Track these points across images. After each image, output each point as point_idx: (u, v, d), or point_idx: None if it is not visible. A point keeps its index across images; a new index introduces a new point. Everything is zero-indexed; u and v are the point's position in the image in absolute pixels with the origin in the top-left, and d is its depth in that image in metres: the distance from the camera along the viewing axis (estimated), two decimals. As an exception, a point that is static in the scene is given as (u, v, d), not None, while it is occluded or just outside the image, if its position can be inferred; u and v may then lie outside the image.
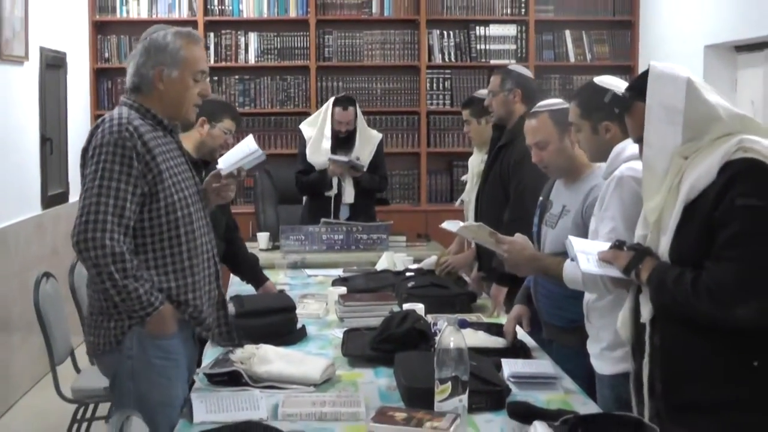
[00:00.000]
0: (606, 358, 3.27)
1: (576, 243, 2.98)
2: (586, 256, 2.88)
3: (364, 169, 6.52)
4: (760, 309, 2.50)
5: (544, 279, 3.63)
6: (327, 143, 6.52)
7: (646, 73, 2.71)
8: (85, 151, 3.17)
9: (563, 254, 3.25)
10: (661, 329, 2.68)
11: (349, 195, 6.53)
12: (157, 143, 3.16)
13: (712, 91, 2.70)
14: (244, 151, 3.65)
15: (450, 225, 3.87)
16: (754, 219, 2.50)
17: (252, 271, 4.89)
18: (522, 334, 3.90)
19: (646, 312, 2.71)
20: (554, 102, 3.75)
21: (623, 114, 2.84)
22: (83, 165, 3.16)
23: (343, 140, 6.55)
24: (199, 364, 3.51)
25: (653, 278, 2.65)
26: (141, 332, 3.14)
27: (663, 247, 2.66)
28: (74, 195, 7.37)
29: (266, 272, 5.03)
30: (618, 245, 2.82)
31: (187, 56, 3.23)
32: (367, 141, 6.66)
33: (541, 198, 3.81)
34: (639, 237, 2.80)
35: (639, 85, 2.72)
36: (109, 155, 3.05)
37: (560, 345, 3.67)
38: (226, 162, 3.64)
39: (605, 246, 2.89)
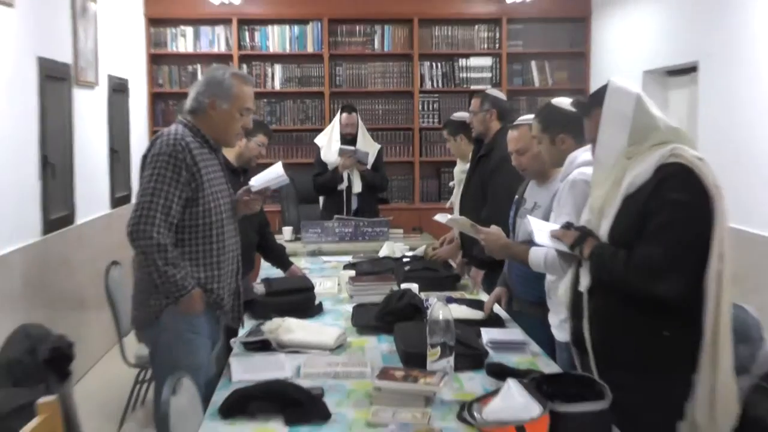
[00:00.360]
0: (563, 328, 3.26)
1: (534, 222, 3.03)
2: (541, 232, 2.90)
3: (368, 166, 6.52)
4: (676, 284, 2.52)
5: (515, 262, 3.63)
6: (336, 144, 6.58)
7: (605, 86, 2.71)
8: (144, 158, 3.19)
9: (531, 242, 3.26)
10: (595, 298, 2.69)
11: (357, 186, 6.53)
12: (202, 158, 3.18)
13: (655, 107, 2.72)
14: (274, 173, 3.64)
15: (440, 217, 3.92)
16: (679, 211, 2.52)
17: (280, 258, 4.89)
18: (497, 309, 3.89)
19: (585, 282, 2.72)
20: (531, 117, 3.74)
21: (583, 117, 2.83)
22: (142, 169, 3.18)
23: (349, 141, 6.59)
24: (235, 334, 3.51)
25: (593, 254, 2.66)
26: (175, 311, 3.16)
27: (603, 229, 2.67)
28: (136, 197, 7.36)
29: (290, 259, 5.03)
30: (567, 226, 2.84)
31: (237, 93, 3.26)
32: (368, 144, 6.68)
33: (517, 196, 3.80)
34: (584, 221, 2.81)
35: (599, 95, 2.73)
36: (163, 163, 3.08)
37: (528, 316, 3.67)
38: (257, 180, 3.63)
39: (557, 227, 2.90)
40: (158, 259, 3.07)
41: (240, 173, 4.41)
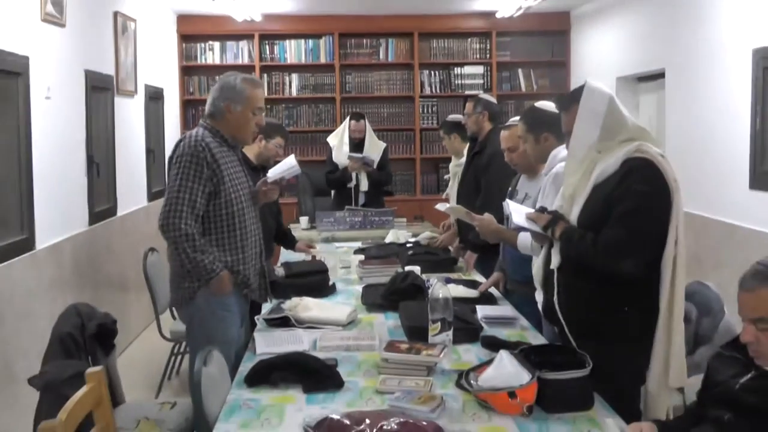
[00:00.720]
0: None
1: (512, 205, 3.01)
2: (518, 215, 2.88)
3: (374, 166, 6.50)
4: (637, 264, 2.52)
5: (508, 247, 3.61)
6: (346, 147, 6.55)
7: (583, 86, 2.69)
8: (170, 159, 3.20)
9: (521, 229, 3.25)
10: (564, 275, 2.68)
11: (364, 185, 6.51)
12: (222, 156, 3.18)
13: (624, 109, 2.70)
14: (287, 164, 3.62)
15: (440, 206, 3.93)
16: (642, 200, 2.52)
17: (287, 239, 4.89)
18: (491, 289, 3.88)
19: (555, 261, 2.71)
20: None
21: (561, 111, 2.81)
22: (169, 169, 3.20)
23: (357, 145, 6.56)
24: (259, 311, 3.51)
25: (563, 236, 2.65)
26: (207, 292, 3.15)
27: (574, 214, 2.66)
28: (170, 191, 7.35)
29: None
30: (541, 210, 2.82)
31: (249, 96, 3.25)
32: (375, 146, 6.65)
33: (510, 188, 3.78)
34: (556, 206, 2.80)
35: (577, 93, 2.71)
36: (186, 162, 3.09)
37: (519, 294, 3.65)
38: (273, 172, 3.62)
39: (531, 210, 2.89)
40: (188, 247, 3.06)
41: (260, 170, 4.39)
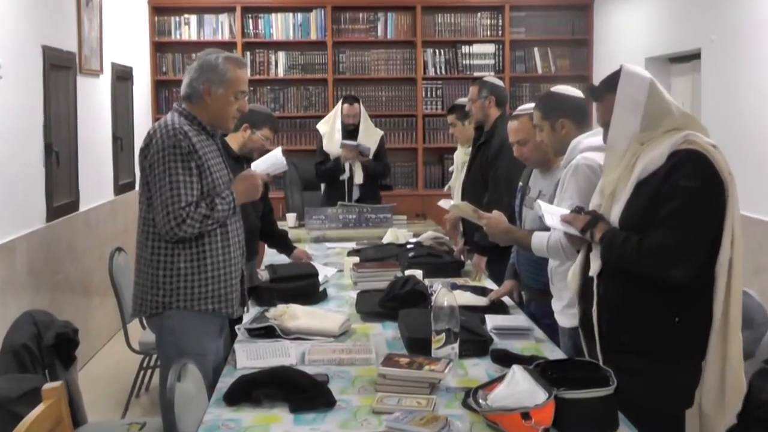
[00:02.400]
0: (566, 314, 3.25)
1: (544, 206, 3.01)
2: (551, 216, 2.88)
3: (370, 156, 6.50)
4: (688, 270, 2.51)
5: (523, 250, 3.60)
6: (338, 135, 6.54)
7: (619, 71, 2.68)
8: (143, 152, 3.15)
9: (539, 230, 3.24)
10: (605, 282, 2.68)
11: (358, 177, 6.51)
12: (201, 145, 3.16)
13: (667, 94, 2.70)
14: (273, 158, 3.60)
15: (444, 203, 3.93)
16: (692, 197, 2.51)
17: (284, 243, 4.88)
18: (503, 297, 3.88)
19: (595, 267, 2.70)
20: (531, 106, 3.70)
21: (595, 101, 2.81)
22: (142, 161, 3.15)
23: (350, 132, 6.55)
24: (240, 320, 3.50)
25: (604, 239, 2.64)
26: (181, 305, 3.13)
27: (615, 214, 2.66)
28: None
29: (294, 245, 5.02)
30: (577, 210, 2.82)
31: (232, 78, 3.22)
32: (371, 133, 6.65)
33: (522, 184, 3.77)
34: (594, 205, 2.80)
35: (612, 80, 2.70)
36: (170, 155, 3.06)
37: (536, 303, 3.65)
38: (257, 166, 3.59)
39: (566, 211, 2.89)
40: (208, 226, 3.10)
41: (243, 161, 4.38)
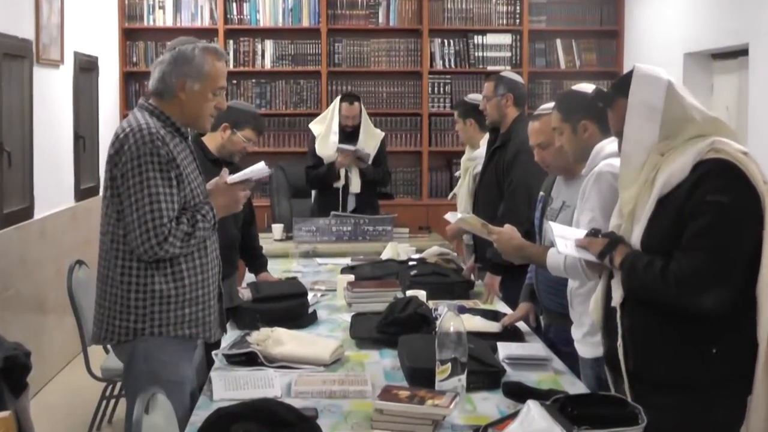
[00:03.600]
0: (587, 343, 3.26)
1: (556, 228, 2.99)
2: (565, 241, 2.88)
3: (369, 162, 6.51)
4: (722, 296, 2.51)
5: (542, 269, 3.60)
6: (335, 137, 6.52)
7: (630, 73, 2.70)
8: (114, 158, 3.11)
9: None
10: (630, 312, 2.69)
11: (355, 185, 6.51)
12: (176, 150, 3.13)
13: (689, 95, 2.71)
14: (252, 173, 3.54)
15: (450, 216, 3.92)
16: (721, 214, 2.51)
17: (257, 261, 4.88)
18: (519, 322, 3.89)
19: (617, 296, 2.70)
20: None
21: (606, 108, 2.82)
22: (112, 169, 3.12)
23: (348, 135, 6.53)
24: (218, 346, 3.50)
25: (625, 264, 2.65)
26: (158, 322, 3.12)
27: (636, 236, 2.66)
28: (104, 188, 7.34)
29: (280, 261, 5.03)
30: (593, 233, 2.82)
31: (210, 71, 3.20)
32: (371, 136, 6.66)
33: (542, 194, 3.78)
34: (613, 226, 2.80)
35: (623, 83, 2.71)
36: (148, 164, 3.03)
37: (557, 329, 3.65)
38: (233, 180, 3.54)
39: (582, 233, 2.89)
40: (189, 246, 3.11)
41: (221, 164, 4.38)
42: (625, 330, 2.69)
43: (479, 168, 5.25)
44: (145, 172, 3.03)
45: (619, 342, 2.70)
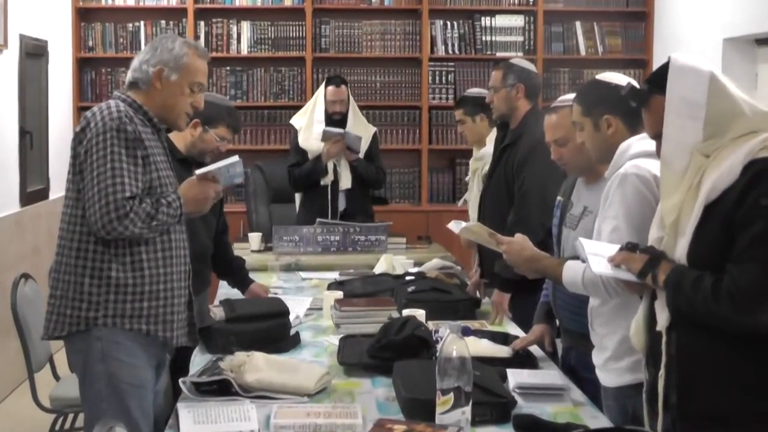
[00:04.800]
0: (610, 369, 3.26)
1: (587, 245, 2.97)
2: (599, 259, 2.87)
3: (360, 154, 6.53)
4: None
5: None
6: (319, 126, 6.54)
7: (666, 66, 2.69)
8: (79, 135, 3.34)
9: (573, 257, 3.25)
10: (678, 337, 2.68)
11: (346, 180, 6.54)
12: (147, 137, 3.36)
13: (736, 87, 2.69)
14: (227, 169, 3.58)
15: (454, 226, 3.90)
16: None
17: (236, 273, 4.90)
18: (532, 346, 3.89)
19: (662, 319, 2.69)
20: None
21: (640, 108, 2.83)
22: (76, 147, 3.33)
23: (336, 123, 6.55)
24: (186, 372, 3.51)
25: (670, 282, 2.64)
26: (113, 312, 3.30)
27: (680, 249, 2.65)
28: (55, 191, 7.35)
29: (258, 275, 5.02)
30: (630, 248, 2.81)
31: (189, 64, 3.46)
32: (361, 126, 6.68)
33: (560, 198, 3.78)
34: (654, 239, 2.78)
35: (658, 78, 2.71)
36: (114, 139, 3.27)
37: (579, 353, 3.64)
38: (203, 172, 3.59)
39: (615, 248, 2.87)
40: (148, 229, 3.29)
41: (192, 164, 4.40)
42: (671, 358, 2.68)
43: (487, 168, 5.26)
44: (110, 146, 3.26)
45: (661, 372, 2.69)
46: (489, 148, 5.36)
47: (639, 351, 2.89)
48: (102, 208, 3.21)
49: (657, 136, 2.74)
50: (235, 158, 3.60)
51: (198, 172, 3.54)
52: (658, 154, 2.76)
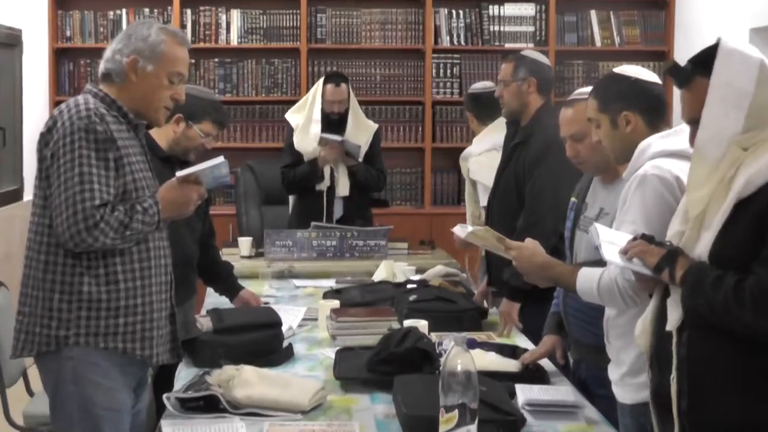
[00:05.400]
0: (627, 385, 3.26)
1: (603, 232, 2.98)
2: (613, 248, 2.88)
3: (360, 158, 6.52)
4: None
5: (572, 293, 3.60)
6: (316, 127, 6.53)
7: (713, 48, 2.69)
8: (45, 136, 3.28)
9: (599, 261, 3.25)
10: (689, 339, 2.68)
11: (343, 187, 6.54)
12: (121, 137, 3.29)
13: None
14: (211, 171, 3.55)
15: (459, 230, 3.90)
16: None
17: (225, 280, 4.90)
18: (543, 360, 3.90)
19: (674, 318, 2.70)
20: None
21: (681, 88, 2.81)
22: (42, 149, 3.28)
23: (334, 124, 6.54)
24: (170, 388, 3.51)
25: (688, 278, 2.64)
26: (86, 330, 3.24)
27: (703, 245, 2.66)
28: (30, 192, 7.30)
29: (248, 282, 5.02)
30: (649, 239, 2.81)
31: (167, 52, 3.38)
32: (362, 128, 6.67)
33: (574, 200, 3.78)
34: (674, 233, 2.79)
35: (704, 59, 2.70)
36: (82, 141, 3.20)
37: (590, 366, 3.66)
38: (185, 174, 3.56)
39: (631, 238, 2.88)
40: (122, 239, 3.22)
41: (175, 163, 4.40)
42: (681, 360, 2.70)
43: (474, 166, 5.29)
44: (78, 149, 3.19)
45: (673, 375, 2.70)
46: (477, 146, 5.40)
47: (644, 352, 2.89)
48: (69, 218, 3.14)
49: (693, 122, 2.74)
50: (221, 159, 3.51)
51: (179, 174, 3.48)
52: (691, 142, 2.76)
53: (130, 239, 3.23)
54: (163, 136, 4.45)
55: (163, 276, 3.43)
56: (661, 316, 2.79)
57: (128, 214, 3.21)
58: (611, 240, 2.93)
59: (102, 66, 3.41)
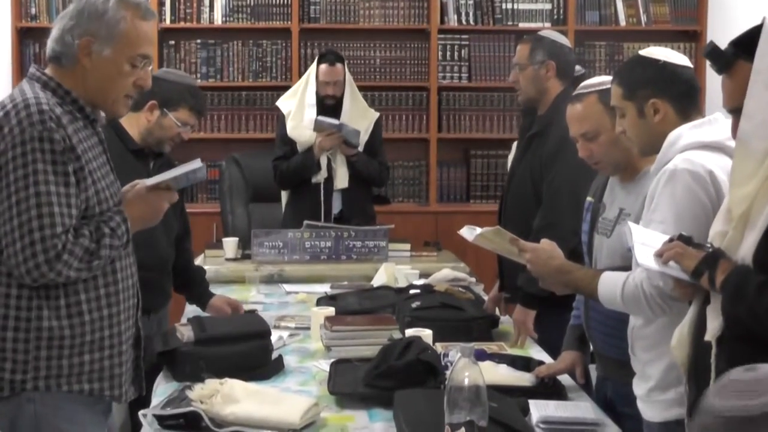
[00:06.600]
0: (655, 401, 3.27)
1: (637, 232, 2.98)
2: (648, 250, 2.88)
3: (359, 147, 6.55)
4: None
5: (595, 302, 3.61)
6: (311, 112, 6.57)
7: (758, 28, 2.68)
8: None
9: (621, 268, 3.26)
10: (730, 350, 2.69)
11: (342, 178, 6.57)
12: (79, 138, 3.10)
13: None
14: (186, 177, 3.51)
15: (467, 232, 3.88)
16: None
17: (195, 286, 4.91)
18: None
19: (714, 327, 2.71)
20: (604, 80, 3.69)
21: (721, 73, 2.81)
22: None
23: (330, 109, 6.58)
24: (147, 404, 3.52)
25: (729, 284, 2.65)
26: (46, 372, 3.10)
27: (747, 247, 2.66)
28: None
29: (234, 288, 5.03)
30: (686, 240, 2.82)
31: (127, 32, 3.15)
32: (361, 115, 6.71)
33: (591, 200, 3.78)
34: (716, 234, 2.79)
35: (747, 41, 2.70)
36: (37, 153, 2.99)
37: (616, 383, 3.66)
38: (159, 180, 3.50)
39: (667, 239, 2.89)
40: (90, 269, 3.07)
41: (149, 156, 4.39)
42: (720, 374, 2.70)
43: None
44: (31, 163, 2.98)
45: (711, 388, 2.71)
46: None
47: (680, 365, 2.90)
48: (25, 249, 2.95)
49: (735, 111, 2.74)
50: (198, 163, 3.41)
51: (149, 182, 3.36)
52: (733, 132, 2.76)
53: (97, 268, 3.09)
54: (134, 125, 4.41)
55: (131, 299, 3.30)
56: (700, 325, 2.80)
57: (94, 239, 3.05)
58: (645, 241, 2.93)
59: (49, 46, 3.17)
